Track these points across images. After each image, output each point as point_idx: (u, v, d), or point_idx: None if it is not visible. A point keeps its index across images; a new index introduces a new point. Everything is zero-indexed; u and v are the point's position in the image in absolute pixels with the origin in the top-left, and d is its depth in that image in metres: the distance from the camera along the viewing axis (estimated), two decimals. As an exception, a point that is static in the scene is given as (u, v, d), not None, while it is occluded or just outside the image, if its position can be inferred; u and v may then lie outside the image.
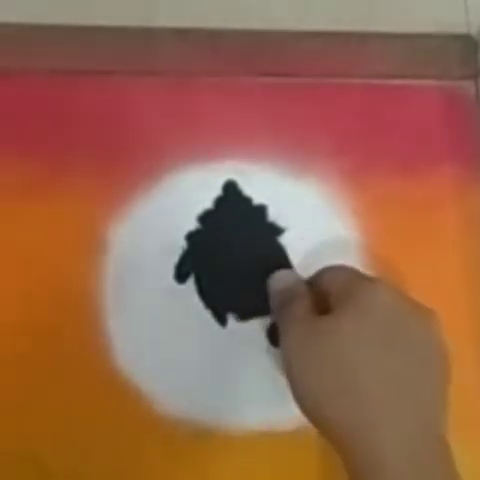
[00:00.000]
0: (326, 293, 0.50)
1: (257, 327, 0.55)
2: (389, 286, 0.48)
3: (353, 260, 0.56)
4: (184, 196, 0.57)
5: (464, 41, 0.62)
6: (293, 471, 0.53)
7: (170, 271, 0.55)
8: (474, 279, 0.57)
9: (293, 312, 0.49)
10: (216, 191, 0.57)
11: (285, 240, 0.57)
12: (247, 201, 0.57)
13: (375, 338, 0.46)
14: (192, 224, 0.57)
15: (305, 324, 0.48)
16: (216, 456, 0.53)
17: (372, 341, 0.45)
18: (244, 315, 0.55)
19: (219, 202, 0.57)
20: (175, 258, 0.56)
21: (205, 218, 0.57)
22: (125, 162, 0.57)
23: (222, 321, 0.55)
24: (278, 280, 0.54)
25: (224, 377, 0.54)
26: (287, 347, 0.48)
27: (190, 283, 0.56)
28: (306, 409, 0.46)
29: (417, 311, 0.48)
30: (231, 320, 0.55)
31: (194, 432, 0.53)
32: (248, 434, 0.53)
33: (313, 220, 0.57)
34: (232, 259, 0.57)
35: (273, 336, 0.55)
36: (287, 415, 0.53)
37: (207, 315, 0.55)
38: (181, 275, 0.55)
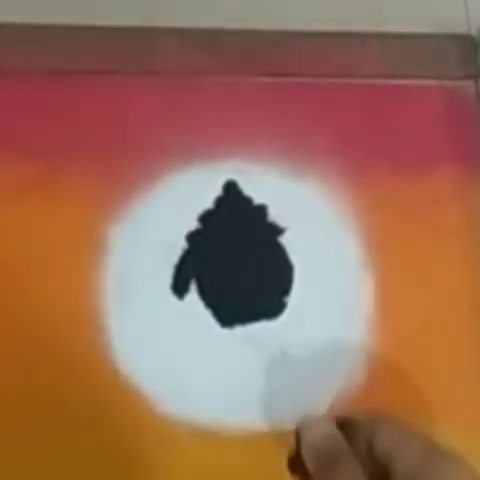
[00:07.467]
0: (384, 463, 0.41)
1: (257, 327, 0.55)
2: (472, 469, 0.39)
3: (353, 259, 0.56)
4: (184, 196, 0.57)
5: (464, 41, 0.62)
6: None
7: (170, 271, 0.55)
8: (475, 278, 0.57)
9: None
10: (216, 191, 0.57)
11: (285, 240, 0.57)
12: (247, 201, 0.57)
13: None
14: (192, 224, 0.57)
15: None
16: (216, 456, 0.53)
17: None
18: (244, 315, 0.55)
19: (219, 202, 0.57)
20: (175, 258, 0.56)
21: (205, 218, 0.57)
22: (125, 162, 0.57)
23: (222, 321, 0.55)
24: (312, 434, 0.48)
25: (224, 377, 0.54)
26: None
27: (190, 283, 0.56)
28: None
29: None
30: (231, 320, 0.55)
31: (194, 432, 0.53)
32: (248, 434, 0.53)
33: (313, 220, 0.57)
34: (232, 259, 0.57)
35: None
36: (287, 415, 0.53)
37: (207, 315, 0.55)
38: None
